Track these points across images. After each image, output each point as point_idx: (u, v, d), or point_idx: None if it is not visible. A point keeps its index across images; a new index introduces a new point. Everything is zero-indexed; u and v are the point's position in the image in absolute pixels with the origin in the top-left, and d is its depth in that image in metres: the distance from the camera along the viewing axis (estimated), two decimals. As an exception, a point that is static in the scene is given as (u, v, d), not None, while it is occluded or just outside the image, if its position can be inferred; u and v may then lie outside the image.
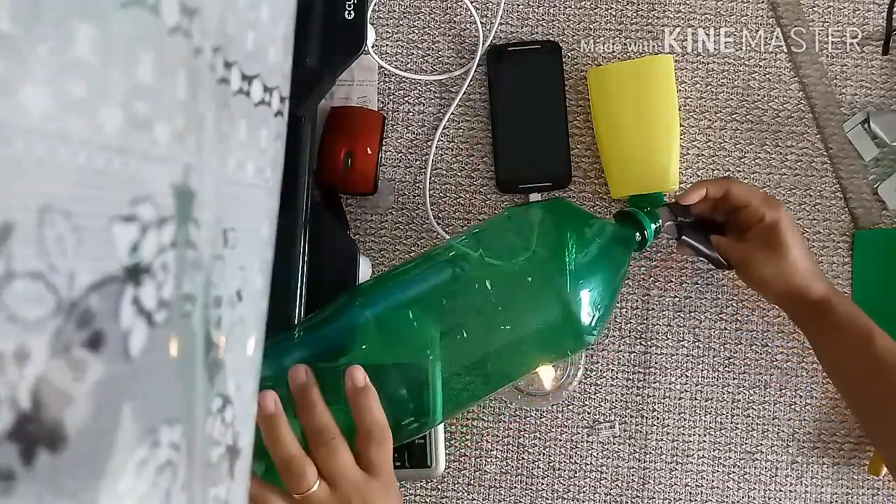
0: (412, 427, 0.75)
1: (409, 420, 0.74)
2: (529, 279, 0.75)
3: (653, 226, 0.84)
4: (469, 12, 0.96)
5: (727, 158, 0.97)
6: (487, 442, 0.96)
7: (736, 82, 0.97)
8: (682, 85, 0.97)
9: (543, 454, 0.96)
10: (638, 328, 0.96)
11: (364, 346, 0.75)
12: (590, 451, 0.96)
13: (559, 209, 0.81)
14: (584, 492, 0.96)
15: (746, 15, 0.97)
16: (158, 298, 0.32)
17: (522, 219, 0.80)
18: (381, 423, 0.69)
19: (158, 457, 0.32)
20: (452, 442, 0.96)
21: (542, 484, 0.96)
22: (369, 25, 0.89)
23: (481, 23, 0.96)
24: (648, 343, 0.96)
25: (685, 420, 0.96)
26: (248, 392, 0.42)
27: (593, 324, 0.75)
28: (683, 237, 0.87)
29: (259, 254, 0.43)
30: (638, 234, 0.83)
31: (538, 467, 0.96)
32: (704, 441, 0.96)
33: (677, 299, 0.96)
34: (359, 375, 0.69)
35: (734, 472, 0.96)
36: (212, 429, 0.36)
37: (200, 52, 0.34)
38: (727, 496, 0.96)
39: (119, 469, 0.30)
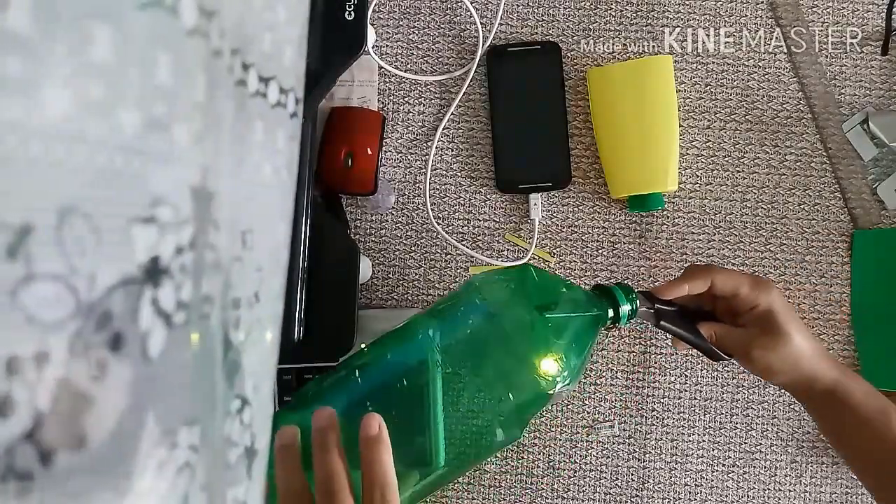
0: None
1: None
2: (495, 355, 0.71)
3: (627, 307, 0.77)
4: (469, 13, 0.96)
5: (727, 158, 0.97)
6: (487, 442, 0.96)
7: (736, 82, 0.97)
8: (682, 85, 0.97)
9: (543, 454, 0.96)
10: (637, 328, 0.96)
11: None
12: (589, 451, 0.96)
13: (525, 279, 0.75)
14: (583, 491, 0.96)
15: (746, 15, 0.97)
16: (177, 300, 0.32)
17: (489, 291, 0.74)
18: (388, 481, 0.61)
19: (177, 458, 0.32)
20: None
21: (542, 483, 0.96)
22: (369, 26, 0.89)
23: (481, 23, 0.96)
24: (648, 343, 0.96)
25: (684, 419, 0.96)
26: (265, 393, 0.42)
27: (554, 390, 0.71)
28: (662, 323, 0.80)
29: (276, 255, 0.43)
30: (612, 311, 0.76)
31: (538, 467, 0.96)
32: (704, 440, 0.96)
33: (677, 299, 0.96)
34: (373, 423, 0.63)
35: (733, 472, 0.96)
36: (230, 430, 0.36)
37: (219, 53, 0.34)
38: (726, 495, 0.96)
39: (138, 471, 0.30)
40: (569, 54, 0.97)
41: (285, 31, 0.41)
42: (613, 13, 0.98)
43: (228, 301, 0.36)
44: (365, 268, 0.93)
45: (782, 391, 0.95)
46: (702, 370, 0.96)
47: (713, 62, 0.97)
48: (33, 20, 0.26)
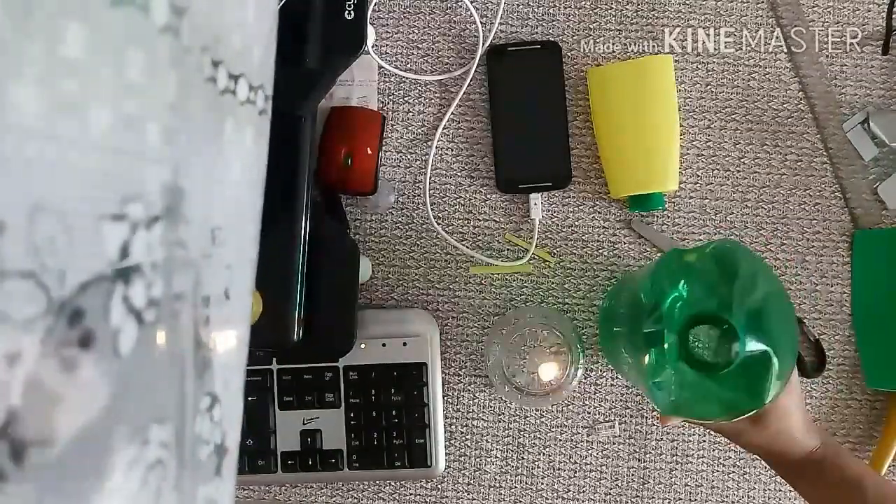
0: None
1: None
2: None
3: None
4: (469, 12, 0.96)
5: (727, 158, 0.97)
6: (487, 442, 0.96)
7: (736, 82, 0.97)
8: (682, 85, 0.97)
9: (543, 454, 0.96)
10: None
11: None
12: (590, 451, 0.96)
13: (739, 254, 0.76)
14: (583, 491, 0.96)
15: (746, 15, 0.97)
16: (148, 297, 0.32)
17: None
18: None
19: (148, 455, 0.32)
20: (452, 442, 0.96)
21: (542, 484, 0.96)
22: (369, 25, 0.89)
23: (481, 23, 0.96)
24: (648, 343, 0.96)
25: (685, 420, 0.96)
26: (235, 390, 0.42)
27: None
28: None
29: (245, 252, 0.43)
30: None
31: (538, 467, 0.96)
32: (704, 441, 0.96)
33: (677, 299, 0.96)
34: None
35: (734, 472, 0.96)
36: (201, 427, 0.36)
37: (189, 51, 0.34)
38: (727, 496, 0.96)
39: (109, 468, 0.30)
40: (569, 54, 0.97)
41: (254, 27, 0.41)
42: (613, 13, 0.98)
43: (199, 298, 0.36)
44: (365, 268, 0.93)
45: (782, 392, 0.95)
46: (702, 370, 0.96)
47: (713, 62, 0.97)
48: (5, 17, 0.26)
